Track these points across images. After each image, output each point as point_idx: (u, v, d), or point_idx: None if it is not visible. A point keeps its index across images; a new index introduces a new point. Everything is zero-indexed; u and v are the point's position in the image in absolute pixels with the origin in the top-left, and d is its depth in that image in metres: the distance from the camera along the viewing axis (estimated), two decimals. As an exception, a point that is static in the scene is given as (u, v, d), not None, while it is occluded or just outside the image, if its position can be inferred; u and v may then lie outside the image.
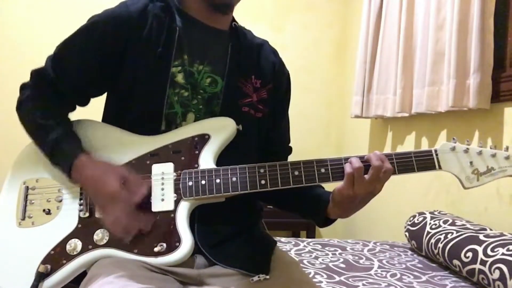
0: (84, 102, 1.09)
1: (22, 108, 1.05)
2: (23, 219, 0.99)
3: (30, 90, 1.05)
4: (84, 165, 0.96)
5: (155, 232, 0.93)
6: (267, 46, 1.18)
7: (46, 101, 1.04)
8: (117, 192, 0.92)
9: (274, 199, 1.14)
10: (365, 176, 0.93)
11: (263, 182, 0.96)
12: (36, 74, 1.06)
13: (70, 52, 1.04)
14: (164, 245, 0.91)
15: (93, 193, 0.96)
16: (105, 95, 1.10)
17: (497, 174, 0.95)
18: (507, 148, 0.97)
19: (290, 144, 1.24)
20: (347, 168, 0.94)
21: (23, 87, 1.07)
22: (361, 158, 0.95)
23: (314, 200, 1.05)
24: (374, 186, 0.94)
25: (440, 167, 0.96)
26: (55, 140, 0.98)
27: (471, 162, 0.96)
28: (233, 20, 1.11)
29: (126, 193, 0.92)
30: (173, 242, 0.91)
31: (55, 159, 1.00)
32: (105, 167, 0.96)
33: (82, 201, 0.98)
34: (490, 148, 0.96)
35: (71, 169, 0.96)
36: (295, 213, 1.16)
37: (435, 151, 0.97)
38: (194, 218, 0.97)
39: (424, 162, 0.96)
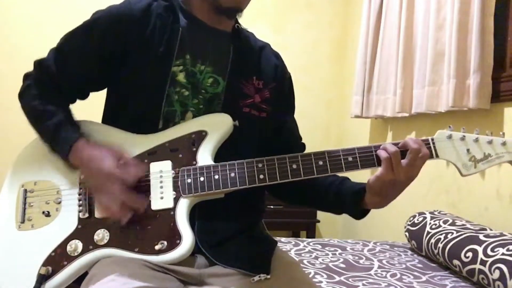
0: (83, 96, 1.10)
1: (24, 96, 1.06)
2: (23, 222, 0.99)
3: (32, 80, 1.06)
4: (83, 147, 0.97)
5: (155, 230, 0.93)
6: (268, 49, 1.18)
7: (47, 90, 1.05)
8: (113, 171, 0.92)
9: (293, 196, 1.13)
10: (403, 161, 0.92)
11: (261, 176, 0.95)
12: (38, 65, 1.07)
13: (71, 47, 1.04)
14: (165, 242, 0.91)
15: (90, 172, 0.96)
16: (105, 92, 1.10)
17: (494, 160, 0.94)
18: (503, 134, 0.96)
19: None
20: (382, 154, 0.93)
21: (26, 77, 1.08)
22: (396, 144, 0.94)
23: (348, 192, 1.02)
24: (413, 171, 0.93)
25: (437, 156, 0.95)
26: (55, 125, 0.99)
27: (468, 150, 0.95)
28: (236, 21, 1.12)
29: (122, 172, 0.93)
30: (174, 239, 0.91)
31: (54, 143, 1.00)
32: (103, 148, 0.97)
33: (81, 202, 0.98)
34: (487, 134, 0.96)
35: (69, 152, 0.97)
36: (321, 208, 1.14)
37: (432, 139, 0.96)
38: (194, 217, 0.97)
39: None
